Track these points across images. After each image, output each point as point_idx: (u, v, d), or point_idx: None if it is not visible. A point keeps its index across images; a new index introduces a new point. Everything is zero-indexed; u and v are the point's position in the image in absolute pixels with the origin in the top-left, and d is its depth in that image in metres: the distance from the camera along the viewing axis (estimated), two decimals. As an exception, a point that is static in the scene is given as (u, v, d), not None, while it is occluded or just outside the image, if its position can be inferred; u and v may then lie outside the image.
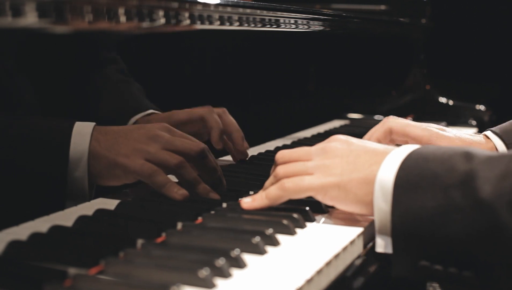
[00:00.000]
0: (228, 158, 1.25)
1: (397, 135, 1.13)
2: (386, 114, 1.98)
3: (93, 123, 0.91)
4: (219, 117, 1.15)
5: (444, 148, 0.79)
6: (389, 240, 0.77)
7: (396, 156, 0.79)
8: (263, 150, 1.34)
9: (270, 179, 0.88)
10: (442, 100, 1.99)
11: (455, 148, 0.78)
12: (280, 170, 0.86)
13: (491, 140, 1.11)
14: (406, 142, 1.14)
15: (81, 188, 0.89)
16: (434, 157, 0.77)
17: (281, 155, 0.89)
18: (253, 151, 1.30)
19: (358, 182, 0.81)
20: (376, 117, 1.98)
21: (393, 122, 1.14)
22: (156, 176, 0.89)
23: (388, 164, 0.78)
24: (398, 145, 0.89)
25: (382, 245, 0.79)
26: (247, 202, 0.86)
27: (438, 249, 0.74)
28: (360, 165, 0.82)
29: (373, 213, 0.79)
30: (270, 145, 1.41)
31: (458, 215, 0.72)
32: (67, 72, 1.01)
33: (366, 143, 0.86)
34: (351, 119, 1.94)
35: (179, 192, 0.90)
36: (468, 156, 0.75)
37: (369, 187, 0.79)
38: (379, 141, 1.13)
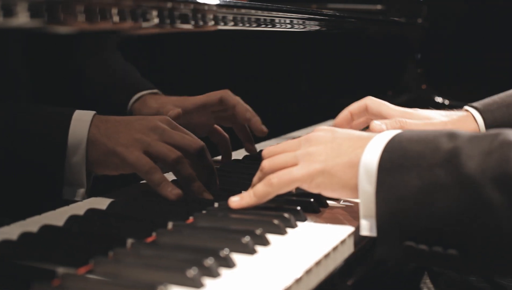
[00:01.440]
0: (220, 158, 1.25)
1: (371, 113, 1.16)
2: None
3: (94, 112, 0.91)
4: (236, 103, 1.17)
5: (428, 131, 0.80)
6: (373, 222, 0.78)
7: (380, 139, 0.80)
8: (257, 150, 1.33)
9: (257, 174, 0.89)
10: (438, 99, 1.99)
11: (439, 130, 0.79)
12: (265, 164, 0.87)
13: (470, 113, 1.13)
14: (364, 124, 1.19)
15: (78, 174, 0.89)
16: (418, 139, 0.77)
17: (267, 150, 0.90)
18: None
19: (343, 166, 0.81)
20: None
21: (370, 99, 1.17)
22: (152, 173, 0.89)
23: (372, 147, 0.79)
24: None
25: (367, 227, 0.79)
26: (235, 201, 0.86)
27: (423, 228, 0.74)
28: (344, 150, 0.83)
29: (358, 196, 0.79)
30: (265, 145, 1.41)
31: (443, 193, 0.72)
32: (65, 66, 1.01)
33: (350, 131, 0.87)
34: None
35: (173, 192, 0.90)
36: (452, 135, 0.76)
37: (354, 171, 0.80)
38: (353, 115, 1.17)
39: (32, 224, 0.81)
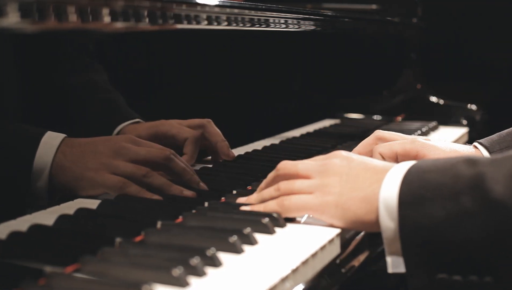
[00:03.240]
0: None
1: (385, 156, 1.10)
2: (378, 113, 2.00)
3: (63, 135, 0.92)
4: (205, 128, 1.18)
5: (444, 159, 0.79)
6: (400, 259, 0.76)
7: (396, 172, 0.78)
8: (250, 150, 1.34)
9: (270, 189, 0.88)
10: (433, 99, 1.99)
11: (455, 157, 0.78)
12: (282, 185, 0.86)
13: (479, 151, 1.10)
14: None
15: (41, 197, 0.90)
16: (436, 168, 0.76)
17: (283, 165, 0.89)
18: (240, 151, 1.31)
19: (358, 201, 0.80)
20: (368, 116, 1.99)
21: (381, 147, 1.09)
22: (126, 187, 0.91)
23: (389, 181, 0.78)
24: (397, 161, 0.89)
25: (393, 264, 0.78)
26: (244, 202, 0.89)
27: (454, 258, 0.73)
28: (360, 183, 0.81)
29: (377, 231, 0.79)
30: (259, 145, 1.42)
31: (471, 220, 0.71)
32: (51, 77, 1.02)
33: (366, 160, 0.86)
34: (342, 119, 1.95)
35: (153, 197, 0.92)
36: (470, 162, 0.75)
37: (369, 206, 0.79)
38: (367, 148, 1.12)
39: (23, 223, 0.81)
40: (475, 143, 1.13)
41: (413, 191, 0.75)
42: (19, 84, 0.96)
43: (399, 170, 0.78)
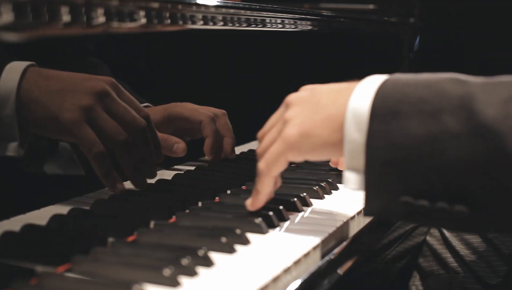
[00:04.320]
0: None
1: None
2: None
3: (29, 63, 0.84)
4: (217, 118, 1.17)
5: (427, 75, 0.71)
6: (361, 176, 0.70)
7: (369, 84, 0.71)
8: (246, 150, 1.34)
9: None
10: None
11: (440, 74, 0.70)
12: (257, 150, 0.82)
13: None
14: None
15: (10, 128, 0.82)
16: (416, 82, 0.69)
17: (260, 133, 0.84)
18: (236, 150, 1.30)
19: (321, 122, 0.74)
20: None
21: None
22: (101, 160, 0.85)
23: (360, 92, 0.70)
24: None
25: (351, 180, 0.72)
26: (249, 203, 0.84)
27: (426, 182, 0.66)
28: (322, 104, 0.75)
29: (343, 147, 0.72)
30: (254, 145, 1.42)
31: (454, 142, 0.64)
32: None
33: (333, 84, 0.79)
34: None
35: (118, 186, 0.89)
36: (458, 81, 0.68)
37: (334, 124, 0.73)
38: None
39: (15, 223, 0.81)
40: None
41: (389, 104, 0.68)
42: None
43: (373, 81, 0.71)
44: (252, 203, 0.84)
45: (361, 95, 0.70)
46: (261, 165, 0.80)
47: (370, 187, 0.69)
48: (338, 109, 0.73)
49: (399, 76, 0.71)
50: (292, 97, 0.80)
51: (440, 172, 0.65)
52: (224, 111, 1.20)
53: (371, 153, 0.68)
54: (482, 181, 0.64)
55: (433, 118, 0.65)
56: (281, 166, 0.80)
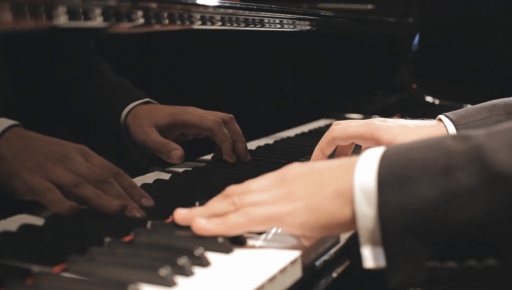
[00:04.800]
0: (206, 157, 1.26)
1: (340, 140, 1.11)
2: (373, 113, 2.00)
3: (14, 122, 0.86)
4: (226, 124, 1.16)
5: (423, 139, 0.70)
6: (379, 251, 0.67)
7: (370, 156, 0.70)
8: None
9: (222, 203, 0.77)
10: (428, 99, 2.00)
11: (437, 136, 0.70)
12: (237, 199, 0.75)
13: (442, 122, 1.10)
14: (353, 143, 1.13)
15: None
16: (418, 146, 0.68)
17: (232, 189, 0.78)
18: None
19: (329, 196, 0.71)
20: (363, 116, 1.99)
21: (334, 129, 1.11)
22: (48, 192, 0.82)
23: (363, 166, 0.69)
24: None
25: (371, 257, 0.68)
26: (199, 223, 0.75)
27: (449, 242, 0.64)
28: (326, 179, 0.72)
29: (355, 226, 0.69)
30: (252, 144, 1.42)
31: (470, 197, 0.63)
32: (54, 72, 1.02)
33: (325, 161, 0.78)
34: (337, 119, 1.94)
35: (67, 206, 0.82)
36: (460, 137, 0.67)
37: (343, 199, 0.70)
38: (324, 151, 1.12)
39: (13, 223, 0.81)
40: (441, 116, 1.12)
41: (395, 172, 0.66)
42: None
43: (373, 154, 0.70)
44: (204, 226, 0.75)
45: (364, 169, 0.69)
46: (250, 211, 0.73)
47: (391, 260, 0.66)
48: (346, 182, 0.70)
49: (399, 145, 0.70)
50: (288, 172, 0.76)
51: (462, 229, 0.64)
52: (231, 115, 1.19)
53: (385, 224, 0.66)
54: (508, 230, 0.63)
55: (444, 177, 0.65)
56: (265, 227, 0.75)
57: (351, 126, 1.10)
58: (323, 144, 1.12)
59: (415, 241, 0.64)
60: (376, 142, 1.08)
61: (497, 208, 0.62)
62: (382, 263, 0.67)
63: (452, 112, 1.12)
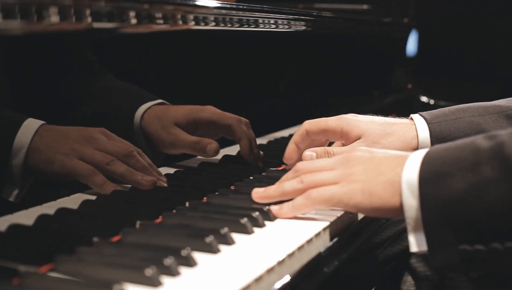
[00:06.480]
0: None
1: (313, 133, 1.14)
2: (368, 113, 2.00)
3: (42, 122, 0.96)
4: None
5: (464, 139, 0.82)
6: (422, 237, 0.78)
7: (417, 155, 0.81)
8: (237, 150, 1.34)
9: (292, 181, 0.89)
10: (424, 99, 2.00)
11: (472, 137, 0.80)
12: (305, 178, 0.88)
13: (413, 121, 1.13)
14: (327, 139, 1.18)
15: (15, 176, 0.94)
16: (455, 145, 0.79)
17: (302, 165, 0.91)
18: (227, 151, 1.31)
19: (383, 185, 0.82)
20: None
21: (307, 124, 1.15)
22: (93, 176, 0.95)
23: (410, 163, 0.80)
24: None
25: (415, 243, 0.79)
26: (275, 209, 0.88)
27: (476, 228, 0.74)
28: (383, 169, 0.84)
29: (403, 214, 0.80)
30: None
31: (492, 188, 0.73)
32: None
33: (387, 150, 0.90)
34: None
35: (111, 187, 0.95)
36: (490, 136, 0.78)
37: (394, 189, 0.81)
38: (298, 144, 1.15)
39: (2, 223, 0.82)
40: (413, 115, 1.15)
41: (433, 168, 0.78)
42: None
43: (419, 153, 0.82)
44: (278, 212, 0.88)
45: (411, 165, 0.80)
46: (313, 193, 0.86)
47: (431, 244, 0.77)
48: (397, 175, 0.81)
49: (440, 145, 0.82)
50: (352, 155, 0.88)
51: (485, 216, 0.74)
52: (247, 120, 1.21)
53: (425, 213, 0.77)
54: None
55: (472, 171, 0.75)
56: (326, 205, 0.87)
57: (323, 119, 1.14)
58: (297, 138, 1.16)
59: (449, 228, 0.75)
60: (345, 137, 1.12)
61: None
62: (424, 248, 0.78)
63: (428, 111, 1.15)
